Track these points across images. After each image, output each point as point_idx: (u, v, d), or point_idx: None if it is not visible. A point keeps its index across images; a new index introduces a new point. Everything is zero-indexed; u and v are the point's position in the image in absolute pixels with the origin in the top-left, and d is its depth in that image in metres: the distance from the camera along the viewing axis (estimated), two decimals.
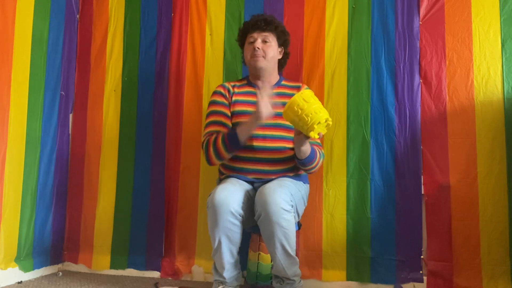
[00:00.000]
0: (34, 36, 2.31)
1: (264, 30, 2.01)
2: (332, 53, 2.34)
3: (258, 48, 1.98)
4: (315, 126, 1.67)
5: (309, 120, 1.66)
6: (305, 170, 1.97)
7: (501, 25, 2.18)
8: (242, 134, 1.85)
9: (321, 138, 2.04)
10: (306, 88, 2.07)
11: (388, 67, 2.28)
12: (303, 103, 1.66)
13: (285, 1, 2.43)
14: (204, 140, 1.98)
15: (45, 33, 2.40)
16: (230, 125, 1.99)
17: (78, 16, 2.67)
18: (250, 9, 2.44)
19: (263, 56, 2.00)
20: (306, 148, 1.83)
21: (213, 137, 1.93)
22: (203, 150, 1.97)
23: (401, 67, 2.27)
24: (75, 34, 2.65)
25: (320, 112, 1.67)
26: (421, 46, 2.26)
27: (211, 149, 1.92)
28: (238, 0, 2.47)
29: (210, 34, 2.49)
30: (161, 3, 2.56)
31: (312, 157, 1.89)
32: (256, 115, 1.81)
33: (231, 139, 1.86)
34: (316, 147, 1.95)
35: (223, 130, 1.96)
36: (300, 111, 1.67)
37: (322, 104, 2.26)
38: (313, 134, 1.70)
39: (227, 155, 1.91)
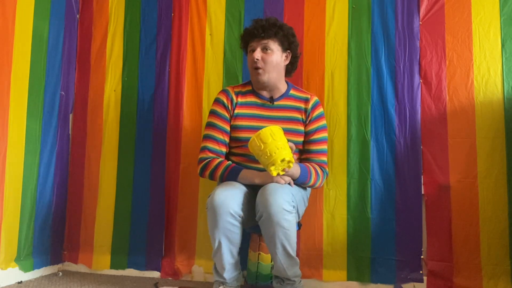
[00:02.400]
0: (34, 36, 2.31)
1: (262, 38, 1.92)
2: (332, 53, 2.34)
3: (257, 59, 1.90)
4: (271, 168, 1.68)
5: (266, 160, 1.68)
6: (304, 186, 1.96)
7: (501, 25, 2.18)
8: (242, 179, 1.86)
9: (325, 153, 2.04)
10: (316, 101, 2.03)
11: (388, 67, 2.28)
12: (260, 144, 1.67)
13: (285, 1, 2.43)
14: (202, 159, 1.95)
15: (45, 33, 2.39)
16: (228, 141, 1.98)
17: (78, 16, 2.67)
18: (250, 9, 2.44)
19: (263, 69, 1.92)
20: (291, 174, 1.82)
21: (213, 164, 1.91)
22: (199, 167, 1.96)
23: (401, 67, 2.27)
24: (75, 34, 2.64)
25: (275, 153, 1.66)
26: (421, 46, 2.26)
27: (207, 172, 1.93)
28: (238, 0, 2.47)
29: (210, 34, 2.49)
30: (161, 3, 2.56)
31: (303, 177, 1.88)
32: (267, 181, 1.81)
33: (229, 178, 1.88)
34: (314, 166, 1.94)
35: (222, 148, 1.96)
36: (258, 152, 1.69)
37: (322, 105, 2.29)
38: (274, 173, 1.70)
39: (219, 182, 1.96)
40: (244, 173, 1.87)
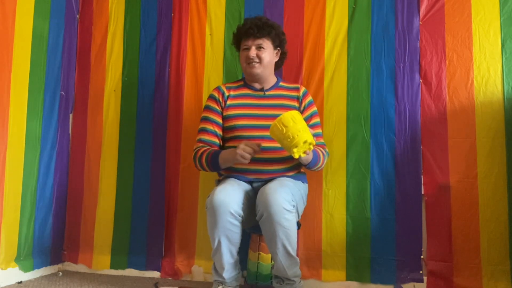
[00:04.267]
0: (34, 36, 2.32)
1: (257, 38, 1.99)
2: (332, 53, 2.34)
3: (253, 57, 1.98)
4: (294, 150, 1.71)
5: (288, 143, 1.71)
6: (311, 170, 2.00)
7: (501, 25, 2.18)
8: (223, 163, 1.89)
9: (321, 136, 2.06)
10: (305, 89, 2.10)
11: (388, 67, 2.28)
12: (282, 128, 1.71)
13: (285, 1, 2.43)
14: (194, 149, 2.01)
15: (45, 33, 2.40)
16: (221, 133, 2.03)
17: (78, 16, 2.67)
18: (250, 9, 2.44)
19: (258, 62, 2.00)
20: (306, 158, 1.84)
21: (200, 152, 1.96)
22: (192, 158, 2.01)
23: (401, 67, 2.27)
24: (75, 34, 2.65)
25: (297, 136, 1.69)
26: (421, 46, 2.26)
27: (197, 163, 1.98)
28: (238, 0, 2.47)
29: (210, 34, 2.49)
30: (161, 3, 2.56)
31: (315, 160, 1.91)
32: (237, 157, 1.81)
33: (213, 163, 1.91)
34: (319, 148, 1.97)
35: (213, 139, 2.01)
36: (280, 136, 1.72)
37: (322, 105, 2.30)
38: (296, 156, 1.73)
39: (210, 171, 1.99)
40: (222, 155, 1.89)
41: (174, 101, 2.49)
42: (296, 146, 1.71)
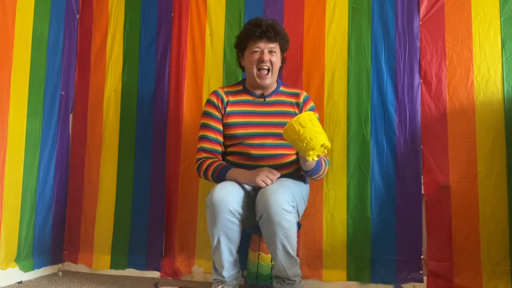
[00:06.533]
0: (34, 36, 2.31)
1: (272, 41, 1.95)
2: (332, 53, 2.34)
3: (267, 60, 1.93)
4: (310, 152, 1.68)
5: (304, 145, 1.67)
6: (311, 178, 1.99)
7: (501, 25, 2.18)
8: (230, 179, 1.86)
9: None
10: (306, 95, 2.08)
11: (388, 67, 2.28)
12: (299, 128, 1.66)
13: (285, 1, 2.43)
14: (198, 159, 1.99)
15: (45, 33, 2.39)
16: (222, 139, 2.00)
17: (78, 16, 2.67)
18: (250, 9, 2.44)
19: (269, 70, 1.96)
20: (310, 164, 1.83)
21: (205, 165, 1.94)
22: (196, 168, 2.00)
23: (401, 67, 2.27)
24: (75, 34, 2.64)
25: (315, 137, 1.66)
26: (421, 46, 2.26)
27: (202, 175, 1.97)
28: (238, 0, 2.47)
29: (210, 34, 2.49)
30: (161, 3, 2.56)
31: (317, 168, 1.90)
32: (259, 181, 1.80)
33: (218, 179, 1.89)
34: (322, 156, 1.95)
35: (216, 147, 1.98)
36: (296, 137, 1.68)
37: (322, 105, 2.30)
38: (310, 158, 1.70)
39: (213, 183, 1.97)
40: (230, 173, 1.87)
41: (174, 101, 2.49)
42: (313, 149, 1.66)
